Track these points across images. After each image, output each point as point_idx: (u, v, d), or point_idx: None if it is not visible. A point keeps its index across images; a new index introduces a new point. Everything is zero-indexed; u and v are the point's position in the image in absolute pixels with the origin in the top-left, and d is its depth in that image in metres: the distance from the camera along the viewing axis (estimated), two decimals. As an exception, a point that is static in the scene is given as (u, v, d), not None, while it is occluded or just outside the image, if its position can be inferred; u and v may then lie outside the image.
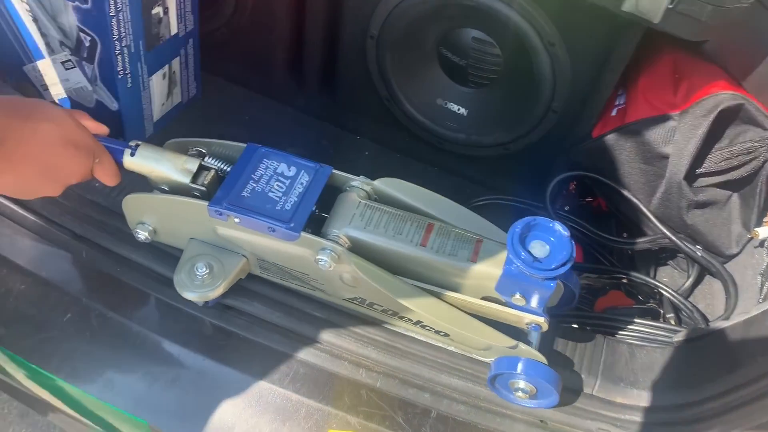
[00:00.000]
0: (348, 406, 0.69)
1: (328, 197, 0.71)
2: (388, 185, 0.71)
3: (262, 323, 0.75)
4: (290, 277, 0.73)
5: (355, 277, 0.67)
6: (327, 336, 0.73)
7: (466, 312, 0.68)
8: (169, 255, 0.76)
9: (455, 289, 0.67)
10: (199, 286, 0.70)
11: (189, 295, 0.69)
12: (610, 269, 0.92)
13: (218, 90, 1.11)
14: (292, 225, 0.66)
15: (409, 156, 1.07)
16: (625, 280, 0.92)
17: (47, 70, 0.94)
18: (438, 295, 0.67)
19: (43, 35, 0.89)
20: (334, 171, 0.71)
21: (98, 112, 0.93)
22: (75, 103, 0.95)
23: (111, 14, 0.81)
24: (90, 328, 0.74)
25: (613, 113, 0.90)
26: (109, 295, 0.76)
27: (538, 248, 0.62)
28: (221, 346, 0.73)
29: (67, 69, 0.92)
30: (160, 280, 0.76)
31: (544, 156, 0.99)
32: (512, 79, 0.95)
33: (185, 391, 0.71)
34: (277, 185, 0.69)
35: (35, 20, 0.88)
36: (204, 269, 0.70)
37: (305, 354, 0.73)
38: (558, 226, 0.62)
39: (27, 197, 0.66)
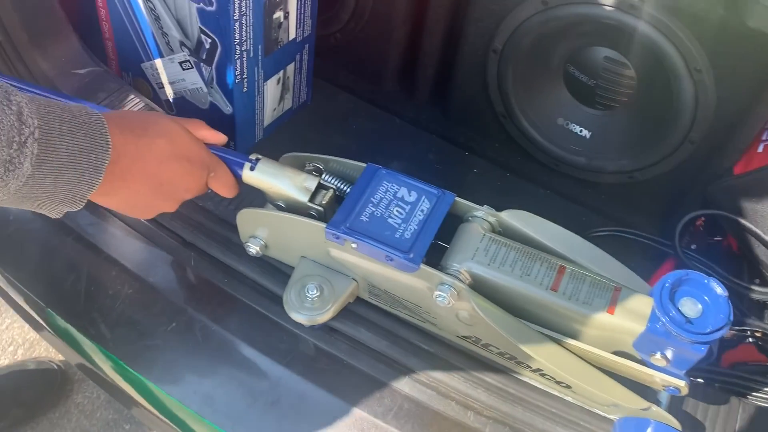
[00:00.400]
0: (453, 451, 0.65)
1: (449, 226, 0.67)
2: (515, 218, 0.66)
3: (367, 350, 0.71)
4: (401, 306, 0.69)
5: (473, 316, 0.62)
6: (435, 372, 0.69)
7: (593, 365, 0.62)
8: (278, 271, 0.74)
9: (585, 340, 0.61)
10: (308, 308, 0.67)
11: (298, 317, 0.66)
12: (741, 319, 0.84)
13: (327, 96, 1.09)
14: (411, 256, 0.62)
15: (521, 176, 1.02)
16: (758, 334, 0.83)
17: (164, 69, 0.94)
18: (564, 344, 0.61)
19: (164, 34, 0.89)
20: (457, 199, 0.67)
21: (211, 115, 0.92)
22: (189, 103, 0.95)
23: (235, 18, 0.80)
24: (194, 339, 0.72)
25: (760, 149, 0.82)
26: (215, 307, 0.74)
27: (689, 306, 0.56)
28: (323, 370, 0.70)
29: (184, 69, 0.91)
30: (267, 295, 0.73)
31: (673, 188, 0.91)
32: (646, 103, 0.88)
33: (285, 415, 0.69)
34: (397, 211, 0.65)
35: (157, 19, 0.87)
36: (315, 291, 0.67)
37: (411, 388, 0.69)
38: (715, 284, 0.56)
39: (143, 216, 0.64)
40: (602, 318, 0.59)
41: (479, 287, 0.62)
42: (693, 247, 0.91)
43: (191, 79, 0.91)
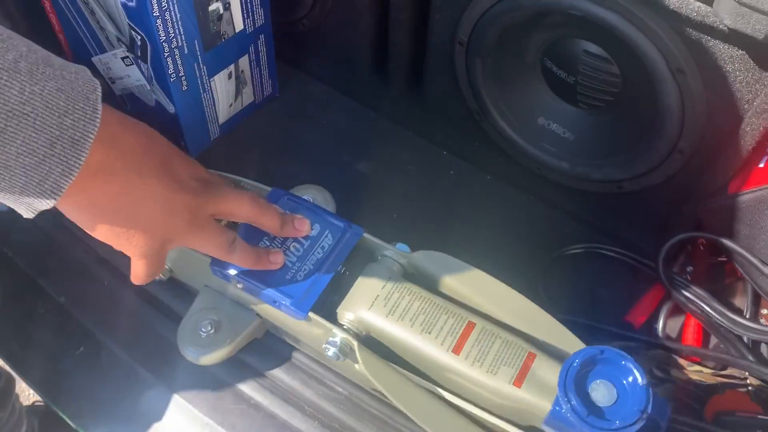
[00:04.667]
0: None
1: (361, 263, 0.59)
2: (429, 261, 0.57)
3: (279, 390, 0.65)
4: (308, 348, 0.62)
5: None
6: (349, 418, 0.62)
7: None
8: (191, 294, 0.68)
9: (492, 411, 0.52)
10: (201, 345, 0.61)
11: (187, 354, 0.61)
12: (733, 360, 0.72)
13: (298, 88, 1.00)
14: (300, 303, 0.54)
15: (502, 180, 0.91)
16: (754, 381, 0.71)
17: (110, 64, 0.88)
18: (470, 415, 0.53)
19: (102, 29, 0.83)
20: (365, 235, 0.58)
21: (157, 113, 0.86)
22: (138, 100, 0.89)
23: (155, 14, 0.73)
24: (100, 366, 0.68)
25: (762, 164, 0.69)
26: (124, 332, 0.69)
27: (602, 392, 0.46)
28: (229, 410, 0.65)
29: (126, 65, 0.85)
30: (177, 321, 0.68)
31: (666, 203, 0.79)
32: (632, 105, 0.76)
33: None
34: (294, 247, 0.57)
35: (93, 13, 0.81)
36: (209, 327, 0.61)
37: (318, 434, 0.62)
38: (632, 367, 0.46)
39: (127, 247, 0.48)
40: (507, 390, 0.50)
41: (376, 340, 0.54)
42: (690, 269, 0.79)
43: (135, 75, 0.85)
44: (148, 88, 0.85)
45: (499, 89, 0.83)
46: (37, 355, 0.69)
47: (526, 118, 0.85)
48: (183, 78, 0.81)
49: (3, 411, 0.94)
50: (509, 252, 0.84)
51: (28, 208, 0.40)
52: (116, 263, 0.71)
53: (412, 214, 0.88)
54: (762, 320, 0.78)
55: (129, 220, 0.45)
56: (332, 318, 0.55)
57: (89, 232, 0.45)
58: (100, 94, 0.40)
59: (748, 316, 0.77)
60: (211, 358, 0.60)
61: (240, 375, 0.65)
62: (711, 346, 0.77)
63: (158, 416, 0.65)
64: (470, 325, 0.53)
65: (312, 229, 0.57)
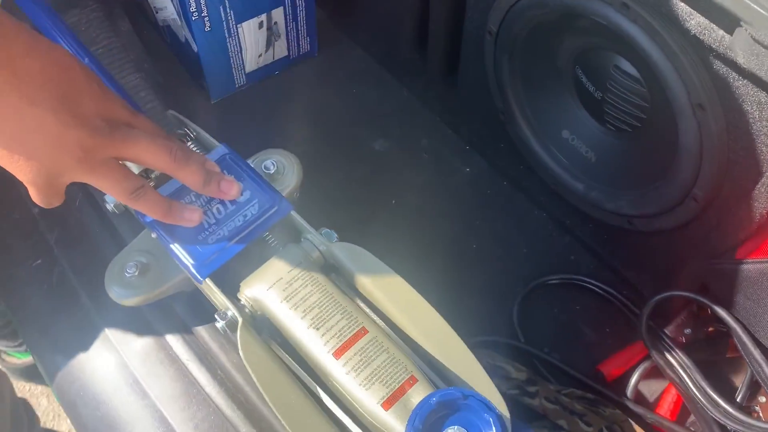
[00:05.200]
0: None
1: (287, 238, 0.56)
2: (346, 254, 0.53)
3: (198, 348, 0.63)
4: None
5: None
6: (254, 394, 0.60)
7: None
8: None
9: (359, 424, 0.48)
10: (125, 285, 0.60)
11: (111, 293, 0.60)
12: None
13: (339, 51, 0.97)
14: (201, 267, 0.52)
15: (517, 188, 0.84)
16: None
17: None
18: (339, 423, 0.49)
19: (144, -43, 0.83)
20: (293, 214, 0.55)
21: (187, 50, 0.87)
22: (174, 35, 0.89)
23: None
24: (49, 281, 0.70)
25: (780, 233, 0.58)
26: (79, 255, 0.70)
27: None
28: (148, 356, 0.64)
29: (164, -3, 0.85)
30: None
31: (674, 252, 0.70)
32: (657, 136, 0.67)
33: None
34: (217, 209, 0.55)
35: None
36: (134, 270, 0.60)
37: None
38: (493, 422, 0.40)
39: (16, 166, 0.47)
40: (373, 409, 0.46)
41: (268, 323, 0.51)
42: (687, 331, 0.70)
43: (170, 8, 0.85)
44: (179, 23, 0.85)
45: (526, 91, 0.76)
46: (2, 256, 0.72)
47: (551, 127, 0.77)
48: (206, 18, 0.80)
49: None
50: (498, 265, 0.78)
51: None
52: (91, 189, 0.72)
53: (413, 205, 0.83)
54: (757, 408, 0.68)
55: (12, 144, 0.44)
56: (233, 291, 0.52)
57: None
58: None
59: (739, 400, 0.67)
60: (131, 300, 0.59)
61: (167, 323, 0.65)
62: (688, 422, 0.68)
63: (85, 346, 0.66)
64: (362, 332, 0.48)
65: (241, 196, 0.55)
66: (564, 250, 0.80)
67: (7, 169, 0.46)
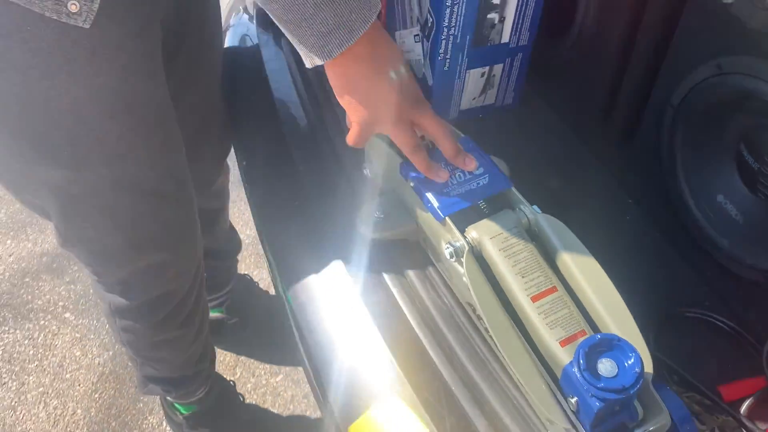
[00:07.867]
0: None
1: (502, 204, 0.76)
2: (549, 224, 0.72)
3: (404, 283, 0.84)
4: (438, 258, 0.80)
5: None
6: (440, 319, 0.79)
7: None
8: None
9: (540, 357, 0.66)
10: (372, 223, 0.82)
11: (360, 228, 0.82)
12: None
13: (533, 110, 1.19)
14: (443, 208, 0.73)
15: (667, 240, 1.01)
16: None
17: (406, 39, 1.16)
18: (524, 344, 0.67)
19: (411, 9, 1.10)
20: (512, 189, 0.76)
21: (421, 85, 1.11)
22: (411, 71, 1.15)
23: (447, 4, 0.97)
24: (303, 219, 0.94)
25: None
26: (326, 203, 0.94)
27: (606, 366, 0.58)
28: (366, 281, 0.85)
29: (415, 42, 1.12)
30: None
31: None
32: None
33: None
34: (458, 175, 0.77)
35: (409, -4, 1.09)
36: (380, 213, 0.82)
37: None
38: (632, 354, 0.57)
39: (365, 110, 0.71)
40: (553, 344, 0.64)
41: (484, 262, 0.71)
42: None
43: (417, 51, 1.11)
44: (423, 62, 1.10)
45: (693, 158, 0.94)
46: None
47: (708, 192, 0.94)
48: (448, 60, 1.05)
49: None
50: (637, 297, 0.94)
51: (310, 60, 0.65)
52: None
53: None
54: None
55: (360, 96, 0.69)
56: (460, 229, 0.73)
57: (337, 97, 0.70)
58: (379, 8, 0.64)
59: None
60: (376, 234, 0.81)
61: (385, 258, 0.85)
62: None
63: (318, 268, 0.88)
64: (552, 288, 0.67)
65: (476, 169, 0.77)
66: (700, 298, 0.94)
67: (347, 110, 0.71)
